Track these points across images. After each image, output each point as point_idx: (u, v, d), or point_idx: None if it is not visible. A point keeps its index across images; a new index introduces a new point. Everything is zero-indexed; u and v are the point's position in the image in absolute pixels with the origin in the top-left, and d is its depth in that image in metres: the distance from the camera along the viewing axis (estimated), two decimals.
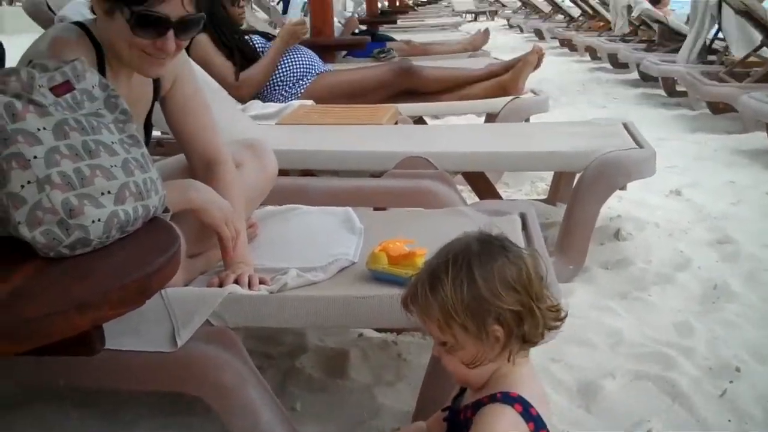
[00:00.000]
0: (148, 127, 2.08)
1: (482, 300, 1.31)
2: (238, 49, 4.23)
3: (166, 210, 1.64)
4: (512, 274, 1.33)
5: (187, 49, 4.06)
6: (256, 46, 4.35)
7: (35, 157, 1.36)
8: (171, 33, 1.77)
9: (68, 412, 2.10)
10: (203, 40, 4.07)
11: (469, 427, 1.36)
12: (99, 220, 1.39)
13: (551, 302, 1.38)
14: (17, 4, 19.05)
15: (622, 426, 2.03)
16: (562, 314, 1.39)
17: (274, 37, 4.57)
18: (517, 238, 2.24)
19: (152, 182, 1.55)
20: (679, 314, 2.71)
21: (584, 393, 2.18)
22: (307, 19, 5.59)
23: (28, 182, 1.35)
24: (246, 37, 4.40)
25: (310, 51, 4.60)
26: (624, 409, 2.11)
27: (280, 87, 4.32)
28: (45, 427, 2.04)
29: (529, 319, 1.33)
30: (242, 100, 4.10)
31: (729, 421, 2.06)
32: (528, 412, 1.32)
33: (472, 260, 1.33)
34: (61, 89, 1.50)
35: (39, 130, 1.39)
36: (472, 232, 1.41)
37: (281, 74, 4.33)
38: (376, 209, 3.03)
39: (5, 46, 2.46)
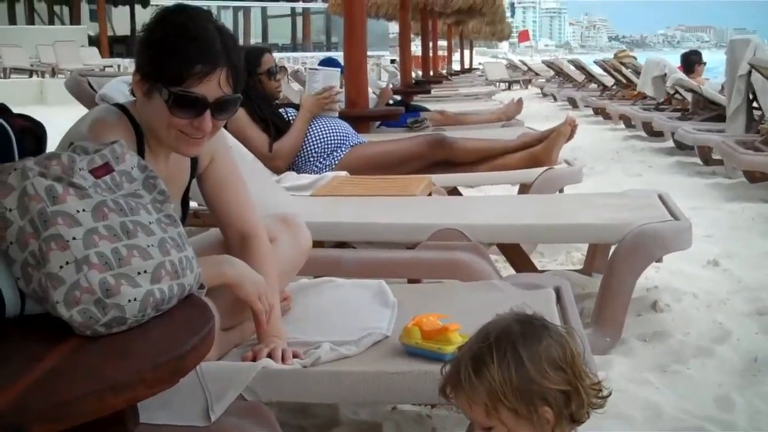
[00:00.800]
0: (184, 202, 2.12)
1: (531, 382, 1.30)
2: (273, 123, 4.32)
3: (201, 286, 1.66)
4: (558, 354, 1.33)
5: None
6: (290, 118, 4.43)
7: (74, 239, 1.39)
8: (208, 113, 1.82)
9: None
10: (240, 115, 4.15)
11: None
12: (135, 299, 1.41)
13: (592, 379, 1.38)
14: (59, 76, 19.56)
15: None
16: (605, 392, 1.39)
17: None
18: (552, 313, 2.24)
19: (188, 261, 1.57)
20: (719, 388, 2.66)
21: None
22: (342, 90, 5.69)
23: (67, 263, 1.38)
24: (281, 110, 4.48)
25: (344, 122, 4.67)
26: None
27: (315, 158, 4.38)
28: None
29: (576, 398, 1.33)
30: (278, 171, 4.17)
31: None
32: None
33: (516, 342, 1.33)
34: (101, 171, 1.54)
35: (78, 212, 1.43)
36: (508, 313, 1.41)
37: (315, 145, 4.40)
38: (410, 281, 3.04)
39: (48, 116, 2.53)
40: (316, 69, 5.25)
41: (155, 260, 1.48)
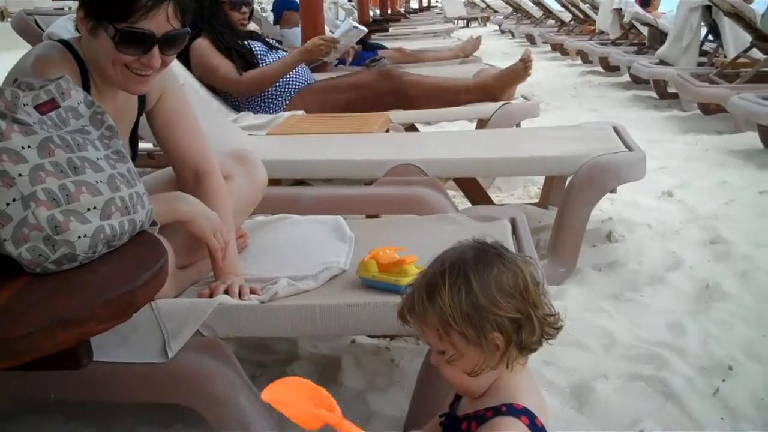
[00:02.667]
0: (134, 141, 2.09)
1: (480, 308, 1.31)
2: (237, 52, 4.24)
3: (153, 223, 1.65)
4: (509, 282, 1.33)
5: (187, 53, 4.10)
6: (256, 52, 4.35)
7: (20, 175, 1.37)
8: (156, 49, 1.78)
9: (61, 424, 2.10)
10: (203, 44, 4.10)
11: None
12: (85, 235, 1.40)
13: (548, 310, 1.38)
14: (8, 20, 19.05)
15: (615, 427, 2.04)
16: (559, 323, 1.39)
17: (274, 45, 4.58)
18: (508, 243, 2.25)
19: (138, 197, 1.56)
20: (672, 314, 2.71)
21: (577, 395, 2.19)
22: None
23: (13, 200, 1.36)
24: (245, 42, 4.39)
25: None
26: (617, 409, 2.12)
27: (271, 99, 4.32)
28: None
29: (528, 327, 1.33)
30: (242, 95, 4.15)
31: (722, 419, 2.07)
32: (534, 424, 1.32)
33: (468, 268, 1.33)
34: (46, 107, 1.51)
35: (24, 148, 1.40)
36: (466, 240, 1.41)
37: (273, 86, 4.34)
38: (368, 217, 3.05)
39: None
40: (355, 26, 5.17)
41: (104, 196, 1.46)
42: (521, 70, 4.46)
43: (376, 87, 4.41)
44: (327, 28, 6.66)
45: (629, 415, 2.08)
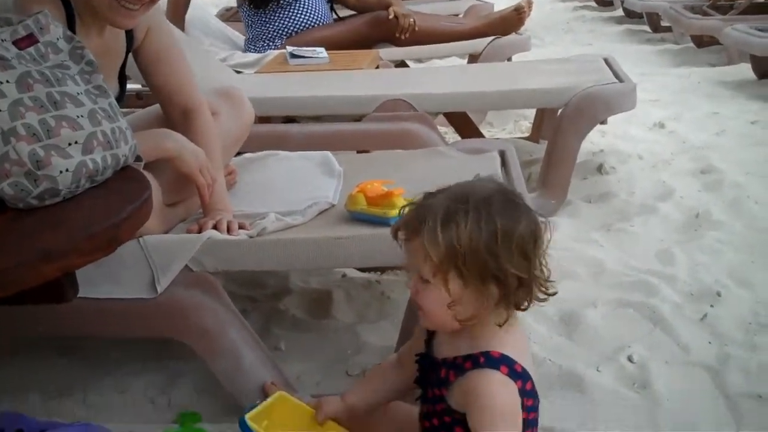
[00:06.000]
0: (122, 80, 2.08)
1: (496, 257, 1.26)
2: None
3: (138, 159, 1.65)
4: (529, 241, 1.29)
5: None
6: None
7: None
8: None
9: (53, 359, 2.13)
10: None
11: (449, 386, 1.35)
12: (67, 170, 1.40)
13: (546, 274, 1.35)
14: None
15: (603, 352, 2.06)
16: (552, 290, 1.36)
17: None
18: (497, 176, 2.25)
19: (121, 131, 1.55)
20: (662, 243, 2.73)
21: (566, 322, 2.21)
22: None
23: None
24: None
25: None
26: (605, 335, 2.14)
27: (265, 40, 4.26)
28: (31, 374, 2.07)
29: (526, 288, 1.31)
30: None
31: (709, 343, 2.10)
32: (513, 370, 1.31)
33: (495, 214, 1.28)
34: (24, 42, 1.50)
35: (2, 83, 1.39)
36: (489, 181, 1.37)
37: (273, 27, 4.25)
38: (358, 153, 3.04)
39: None
40: None
41: (86, 131, 1.45)
42: (515, 19, 4.39)
43: (368, 34, 4.34)
44: None
45: (617, 340, 2.11)
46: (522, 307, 1.34)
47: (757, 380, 1.91)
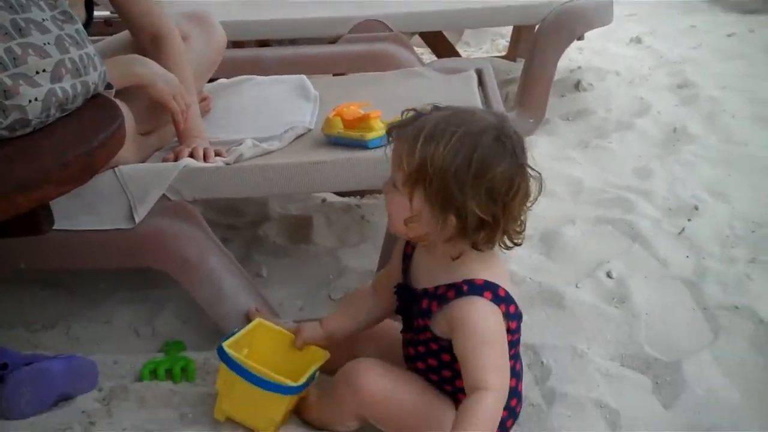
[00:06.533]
0: (89, 5, 2.02)
1: (461, 185, 1.25)
2: None
3: (109, 86, 1.62)
4: (503, 186, 1.26)
5: None
6: None
7: None
8: None
9: (36, 292, 2.12)
10: None
11: (431, 315, 1.35)
12: (36, 99, 1.36)
13: (521, 228, 1.33)
14: None
15: (582, 268, 2.08)
16: (521, 239, 1.35)
17: None
18: (473, 95, 2.23)
19: (89, 58, 1.51)
20: (639, 159, 2.74)
21: (545, 241, 2.22)
22: None
23: None
24: None
25: None
26: (584, 252, 2.16)
27: None
28: (14, 308, 2.06)
29: (490, 232, 1.29)
30: None
31: (687, 257, 2.12)
32: (497, 295, 1.32)
33: (478, 146, 1.26)
34: None
35: None
36: (494, 116, 1.33)
37: None
38: (334, 75, 3.00)
39: None
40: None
41: (53, 58, 1.42)
42: None
43: None
44: None
45: (596, 256, 2.12)
46: (481, 249, 1.32)
47: (734, 292, 1.94)
